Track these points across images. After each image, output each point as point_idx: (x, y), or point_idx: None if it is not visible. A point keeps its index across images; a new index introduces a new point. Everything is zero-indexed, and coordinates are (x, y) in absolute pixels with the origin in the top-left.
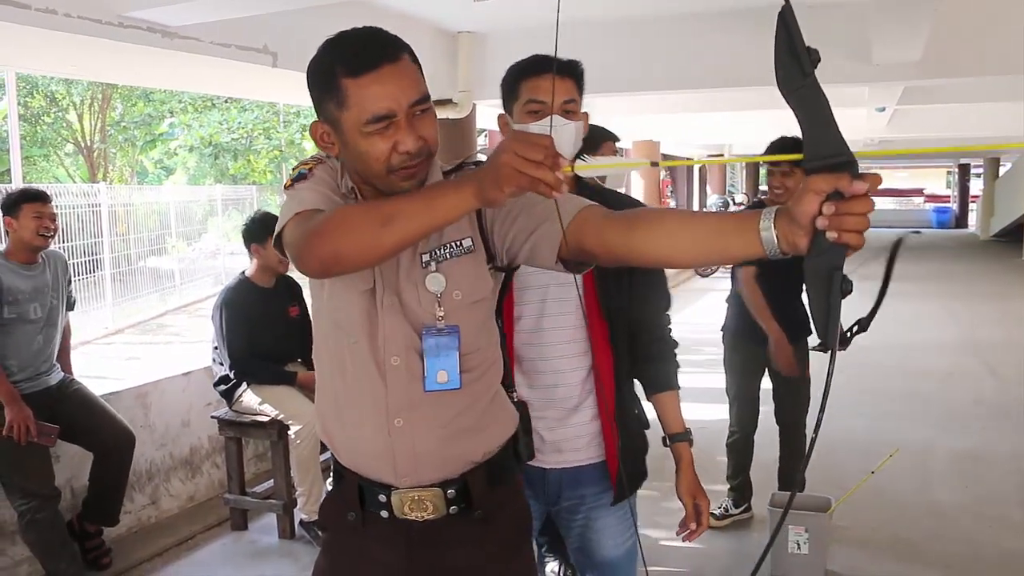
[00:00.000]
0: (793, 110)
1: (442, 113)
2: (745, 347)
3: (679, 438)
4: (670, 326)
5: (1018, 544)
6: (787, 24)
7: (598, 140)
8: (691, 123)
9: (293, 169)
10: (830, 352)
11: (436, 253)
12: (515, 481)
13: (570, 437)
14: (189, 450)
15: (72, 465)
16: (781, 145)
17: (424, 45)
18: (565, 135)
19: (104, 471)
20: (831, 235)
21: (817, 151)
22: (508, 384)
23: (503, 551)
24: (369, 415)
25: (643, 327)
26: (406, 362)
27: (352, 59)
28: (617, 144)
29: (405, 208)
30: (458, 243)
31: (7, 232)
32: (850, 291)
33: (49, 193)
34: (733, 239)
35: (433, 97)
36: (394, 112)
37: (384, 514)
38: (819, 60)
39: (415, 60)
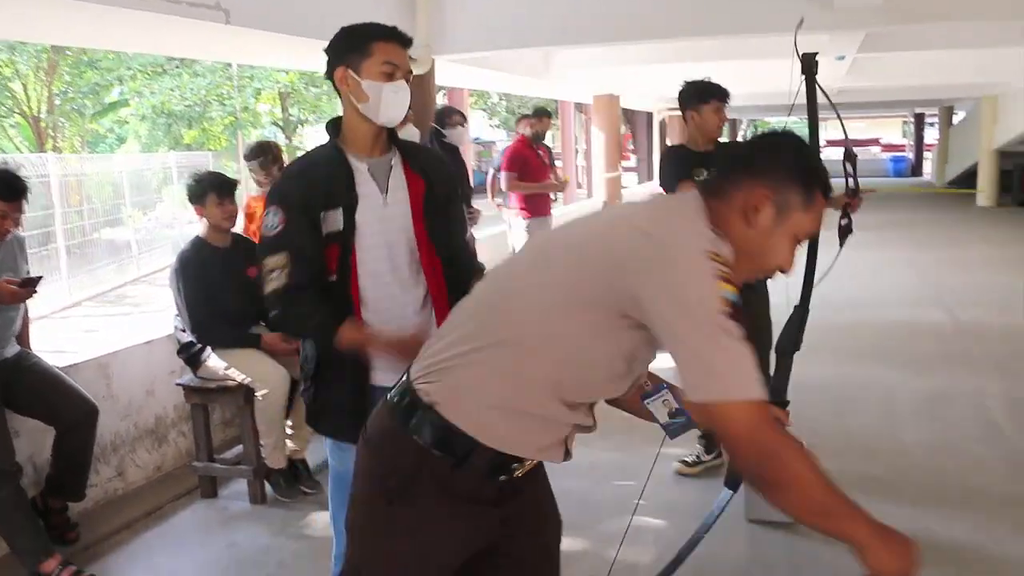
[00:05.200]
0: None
1: None
2: None
3: None
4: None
5: (982, 479)
6: None
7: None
8: (650, 76)
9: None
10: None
11: None
12: None
13: None
14: (154, 419)
15: (33, 440)
16: (699, 84)
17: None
18: (406, 97)
19: (67, 445)
20: None
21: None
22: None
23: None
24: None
25: (454, 256)
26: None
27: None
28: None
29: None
30: None
31: None
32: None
33: (27, 188)
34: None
35: None
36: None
37: (503, 478)
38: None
39: None
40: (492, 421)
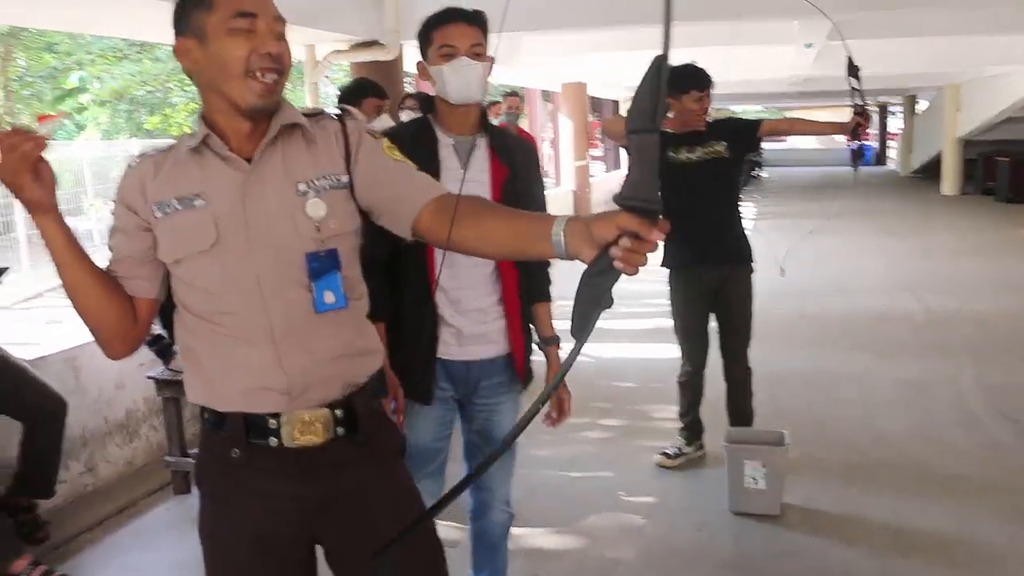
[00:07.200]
0: (628, 148)
1: (368, 55)
2: (681, 276)
3: (550, 341)
4: None
5: (962, 466)
6: (659, 74)
7: (360, 94)
8: (618, 63)
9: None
10: (576, 345)
11: (314, 183)
12: (382, 407)
13: (487, 332)
14: (125, 413)
15: None
16: (680, 71)
17: None
18: (473, 73)
19: (36, 441)
20: (617, 264)
21: (635, 191)
22: (426, 294)
23: (381, 470)
24: (255, 351)
25: None
26: (285, 289)
27: None
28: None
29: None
30: (337, 177)
31: None
32: (610, 306)
33: None
34: (531, 242)
35: (359, 38)
36: (256, 14)
37: (273, 442)
38: (668, 112)
39: None
40: (190, 379)
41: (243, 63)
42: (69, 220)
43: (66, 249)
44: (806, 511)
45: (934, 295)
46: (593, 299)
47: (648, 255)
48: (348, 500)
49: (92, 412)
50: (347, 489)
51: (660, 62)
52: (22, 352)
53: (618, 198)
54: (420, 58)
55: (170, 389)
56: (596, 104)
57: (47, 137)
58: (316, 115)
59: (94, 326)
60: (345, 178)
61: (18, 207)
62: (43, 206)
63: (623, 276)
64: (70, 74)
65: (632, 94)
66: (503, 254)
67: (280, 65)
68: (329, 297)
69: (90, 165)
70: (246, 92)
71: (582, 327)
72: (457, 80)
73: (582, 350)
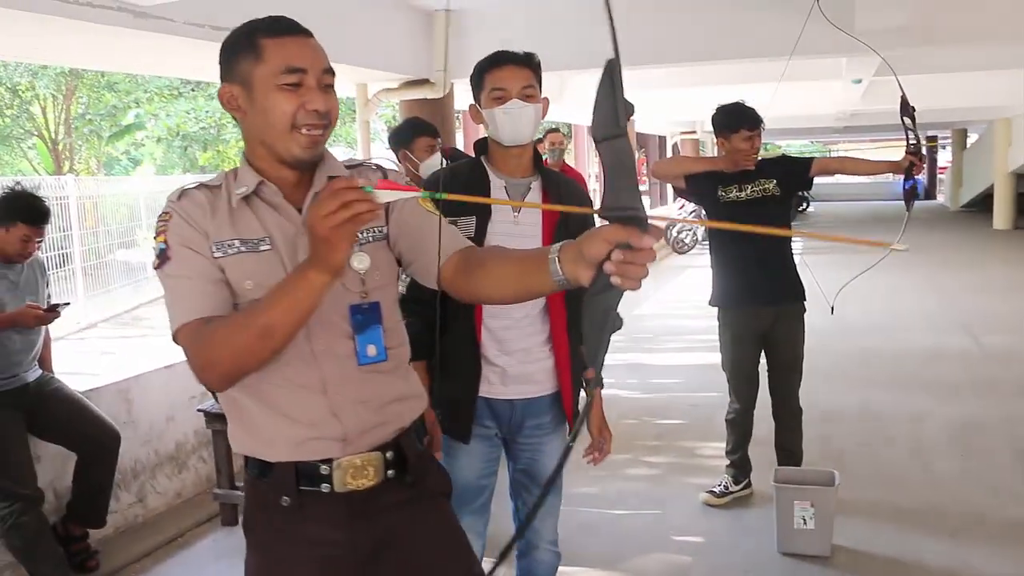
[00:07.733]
0: (600, 156)
1: (419, 93)
2: (733, 315)
3: (593, 384)
4: None
5: (1020, 511)
6: (612, 76)
7: (412, 134)
8: (663, 101)
9: (155, 235)
10: (596, 383)
11: (358, 236)
12: (427, 448)
13: (532, 371)
14: (175, 445)
15: (54, 466)
16: (730, 111)
17: (399, 23)
18: (525, 116)
19: (89, 471)
20: (614, 279)
21: (616, 200)
22: (472, 333)
23: (430, 508)
24: (307, 402)
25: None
26: (333, 343)
27: (272, 25)
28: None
29: (275, 315)
30: (379, 229)
31: None
32: (620, 327)
33: (48, 211)
34: (532, 276)
35: (409, 77)
36: (306, 69)
37: (325, 488)
38: (633, 113)
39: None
40: (235, 431)
41: (289, 119)
42: (124, 251)
43: (313, 311)
44: (856, 553)
45: (988, 332)
46: (600, 323)
47: (647, 265)
48: (400, 542)
49: (143, 443)
50: (398, 531)
51: (612, 65)
52: (77, 383)
53: (601, 211)
54: (473, 101)
55: (219, 422)
56: (642, 140)
57: (380, 206)
58: (357, 166)
59: (253, 366)
60: (385, 229)
61: (76, 240)
62: (340, 271)
63: (664, 309)
64: (128, 111)
65: (680, 129)
66: (513, 297)
67: (327, 120)
68: (371, 350)
69: (145, 199)
70: (291, 145)
71: (595, 353)
72: (509, 122)
73: (627, 386)
